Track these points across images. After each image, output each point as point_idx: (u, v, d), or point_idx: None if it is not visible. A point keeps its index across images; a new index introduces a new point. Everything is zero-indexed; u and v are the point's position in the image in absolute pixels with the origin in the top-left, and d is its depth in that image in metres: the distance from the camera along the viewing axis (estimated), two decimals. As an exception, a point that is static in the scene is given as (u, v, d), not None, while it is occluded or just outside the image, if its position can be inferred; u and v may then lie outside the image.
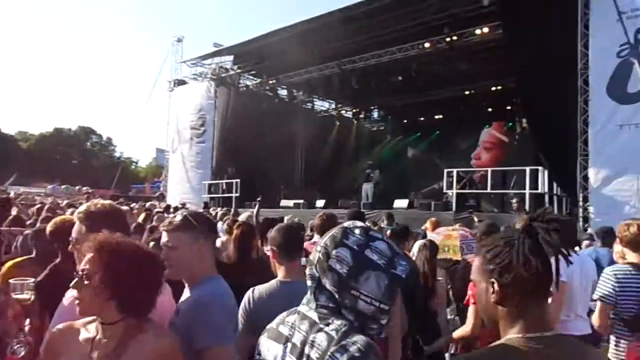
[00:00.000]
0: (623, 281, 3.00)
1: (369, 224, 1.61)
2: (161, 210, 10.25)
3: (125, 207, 7.45)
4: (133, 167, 59.85)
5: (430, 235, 5.98)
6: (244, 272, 3.09)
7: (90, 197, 14.12)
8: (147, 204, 13.29)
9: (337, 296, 1.24)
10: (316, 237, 4.29)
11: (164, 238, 2.00)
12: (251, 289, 2.51)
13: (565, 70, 9.91)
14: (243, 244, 3.58)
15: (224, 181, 17.25)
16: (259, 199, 9.83)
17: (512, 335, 1.22)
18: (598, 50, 9.66)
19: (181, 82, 19.87)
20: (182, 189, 18.80)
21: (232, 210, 11.66)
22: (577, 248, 5.23)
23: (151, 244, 3.83)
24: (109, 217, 2.13)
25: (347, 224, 1.33)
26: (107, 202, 2.40)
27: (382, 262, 1.24)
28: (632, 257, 3.11)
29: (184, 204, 13.79)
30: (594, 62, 9.69)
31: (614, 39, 9.39)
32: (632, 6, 9.27)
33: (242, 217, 6.18)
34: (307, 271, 1.32)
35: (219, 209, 13.62)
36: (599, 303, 3.10)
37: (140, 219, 7.61)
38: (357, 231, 1.29)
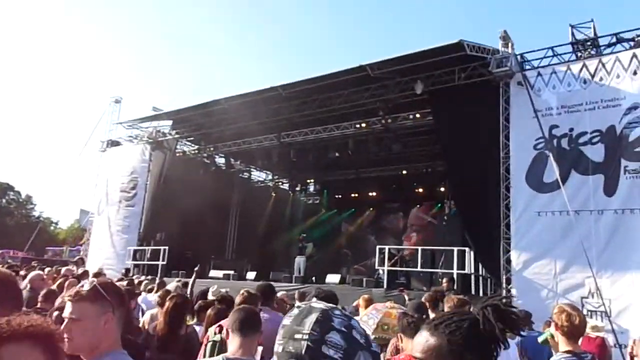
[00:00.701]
0: None
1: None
2: (75, 276, 9.54)
3: (37, 272, 6.90)
4: (52, 227, 56.09)
5: (366, 312, 5.93)
6: (168, 348, 2.90)
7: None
8: (64, 269, 12.37)
9: None
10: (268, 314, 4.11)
11: (68, 309, 1.88)
12: None
13: (488, 158, 10.61)
14: (174, 317, 3.37)
15: (150, 247, 16.53)
16: (196, 268, 9.43)
17: None
18: (517, 142, 10.51)
19: (115, 143, 19.37)
20: (105, 254, 17.76)
21: (158, 279, 11.08)
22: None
23: (55, 313, 3.50)
24: None
25: (320, 304, 1.27)
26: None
27: (363, 340, 1.22)
28: (569, 345, 3.11)
29: (98, 272, 12.92)
30: (514, 152, 10.50)
31: (531, 133, 10.26)
32: (546, 105, 10.30)
33: (170, 287, 5.88)
34: None
35: (142, 277, 12.95)
36: None
37: (55, 285, 7.04)
38: (337, 312, 1.24)
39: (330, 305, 1.27)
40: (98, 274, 10.16)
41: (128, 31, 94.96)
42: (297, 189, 23.97)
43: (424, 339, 1.23)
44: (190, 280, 8.50)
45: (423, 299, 5.91)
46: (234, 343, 2.51)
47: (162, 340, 3.14)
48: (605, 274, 9.01)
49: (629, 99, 9.44)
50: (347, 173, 20.70)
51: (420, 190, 20.05)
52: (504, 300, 1.23)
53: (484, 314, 1.20)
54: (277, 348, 1.22)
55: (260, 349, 2.56)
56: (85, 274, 10.81)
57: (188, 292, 6.37)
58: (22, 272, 8.89)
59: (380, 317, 5.61)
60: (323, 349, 1.17)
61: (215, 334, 3.35)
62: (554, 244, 9.62)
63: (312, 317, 1.21)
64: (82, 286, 1.95)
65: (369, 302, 6.41)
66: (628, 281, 8.79)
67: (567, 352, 3.09)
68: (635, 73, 9.50)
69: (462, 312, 1.27)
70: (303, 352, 1.17)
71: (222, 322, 3.99)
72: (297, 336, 1.19)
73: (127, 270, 14.34)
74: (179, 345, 3.08)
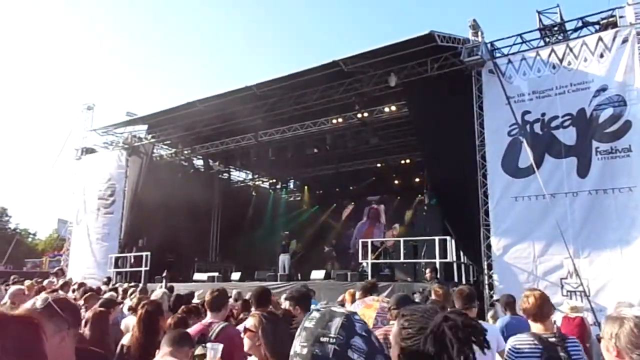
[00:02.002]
0: (523, 352, 3.09)
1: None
2: (57, 288, 9.39)
3: (18, 287, 6.75)
4: (30, 239, 54.93)
5: (351, 306, 5.97)
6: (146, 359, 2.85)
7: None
8: (46, 282, 12.16)
9: None
10: (209, 315, 3.88)
11: None
12: None
13: (465, 146, 10.74)
14: (149, 326, 3.25)
15: (132, 254, 16.34)
16: (164, 274, 9.35)
17: None
18: (491, 129, 10.64)
19: (90, 151, 19.04)
20: (86, 263, 17.48)
21: (141, 285, 10.97)
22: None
23: None
24: None
25: (339, 309, 1.33)
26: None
27: (378, 344, 1.28)
28: (534, 327, 3.25)
29: (82, 283, 12.75)
30: (489, 139, 10.63)
31: (505, 120, 10.40)
32: (518, 91, 10.44)
33: (155, 294, 5.81)
34: None
35: (125, 284, 12.78)
36: None
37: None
38: (357, 317, 1.31)
39: (348, 310, 1.35)
40: (82, 285, 10.03)
41: (97, 37, 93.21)
42: (278, 186, 23.96)
43: (392, 336, 1.31)
44: (166, 286, 8.45)
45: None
46: None
47: (137, 352, 3.07)
48: (582, 254, 9.20)
49: (597, 81, 9.63)
50: (327, 168, 20.74)
51: (399, 181, 20.22)
52: (461, 319, 1.24)
53: (442, 331, 1.23)
54: (301, 350, 1.26)
55: None
56: (66, 285, 10.65)
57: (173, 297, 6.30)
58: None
59: (361, 308, 5.68)
60: (349, 352, 1.23)
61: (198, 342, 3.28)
62: (532, 228, 9.78)
63: (337, 322, 1.27)
64: (34, 303, 1.86)
65: (354, 296, 6.47)
66: (605, 260, 9.00)
67: (532, 334, 3.17)
68: (601, 56, 9.68)
69: (428, 317, 1.29)
70: (330, 355, 1.22)
71: (198, 329, 3.90)
72: (324, 339, 1.24)
73: (108, 278, 14.11)
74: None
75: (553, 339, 3.12)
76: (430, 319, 1.28)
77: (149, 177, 16.73)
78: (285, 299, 3.86)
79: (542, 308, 3.26)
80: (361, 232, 21.50)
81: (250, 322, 2.59)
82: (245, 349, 2.49)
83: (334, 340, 1.24)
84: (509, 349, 3.17)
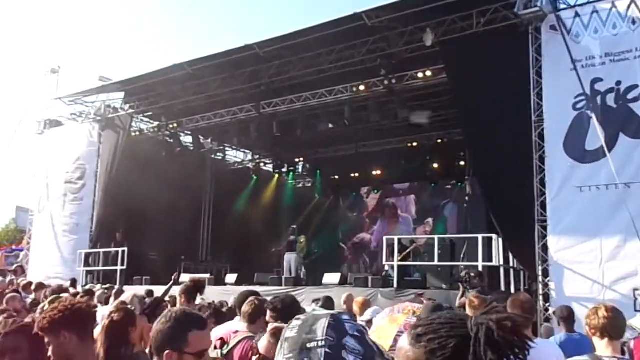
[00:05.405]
0: None
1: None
2: (16, 289, 9.51)
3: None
4: (-17, 231, 55.95)
5: (361, 318, 5.94)
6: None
7: None
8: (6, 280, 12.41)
9: None
10: (242, 326, 4.08)
11: None
12: None
13: (517, 122, 10.62)
14: (113, 338, 3.19)
15: (104, 250, 16.53)
16: (174, 275, 9.46)
17: None
18: (553, 102, 10.48)
19: (55, 124, 19.16)
20: (50, 259, 17.72)
21: (116, 288, 11.09)
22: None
23: None
24: None
25: (322, 311, 1.43)
26: None
27: (375, 347, 1.36)
28: (600, 348, 3.22)
29: (40, 284, 12.90)
30: (549, 114, 10.46)
31: (569, 90, 10.22)
32: (587, 54, 10.24)
33: (125, 298, 5.84)
34: None
35: (98, 286, 12.92)
36: None
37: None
38: (345, 316, 1.37)
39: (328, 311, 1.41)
40: (41, 287, 10.15)
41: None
42: (284, 170, 23.91)
43: (404, 350, 1.23)
44: (164, 289, 8.53)
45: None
46: None
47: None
48: (663, 259, 9.09)
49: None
50: (345, 148, 20.68)
51: (435, 165, 20.07)
52: (503, 322, 1.17)
53: (477, 333, 1.16)
54: None
55: None
56: (28, 286, 10.81)
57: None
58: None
59: (386, 321, 5.62)
60: (343, 354, 1.27)
61: (215, 347, 3.30)
62: (600, 226, 9.66)
63: (323, 323, 1.31)
64: None
65: (364, 306, 6.44)
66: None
67: (594, 357, 3.16)
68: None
69: (455, 320, 1.23)
70: (322, 358, 1.26)
71: (223, 335, 4.01)
72: (311, 345, 1.27)
73: (74, 280, 14.19)
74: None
75: None
76: (455, 328, 1.20)
77: (126, 156, 16.82)
78: (268, 309, 3.85)
79: (614, 325, 3.23)
80: (386, 227, 21.49)
81: (263, 343, 2.58)
82: None
83: (323, 342, 1.27)
84: None
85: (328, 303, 6.65)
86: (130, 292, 6.49)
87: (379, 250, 14.34)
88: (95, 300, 8.02)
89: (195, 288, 5.77)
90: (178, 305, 5.73)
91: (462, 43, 11.68)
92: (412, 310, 6.02)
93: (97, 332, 4.35)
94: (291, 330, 1.33)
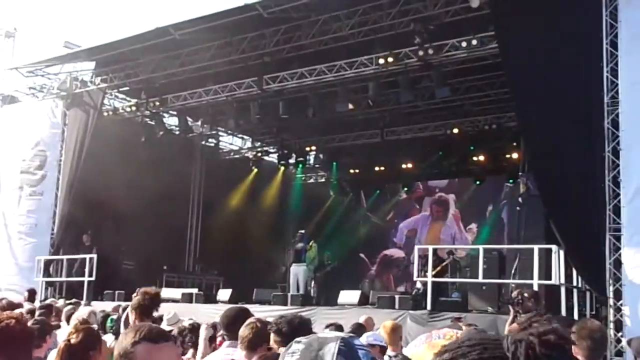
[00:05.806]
0: None
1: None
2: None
3: None
4: None
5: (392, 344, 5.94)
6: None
7: None
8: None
9: None
10: (240, 354, 4.08)
11: None
12: None
13: (585, 105, 10.56)
14: None
15: (68, 257, 16.62)
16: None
17: None
18: (630, 80, 10.35)
19: (9, 100, 19.31)
20: (4, 268, 17.88)
21: (83, 303, 11.21)
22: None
23: None
24: None
25: (330, 333, 1.46)
26: None
27: None
28: None
29: None
30: (626, 95, 10.33)
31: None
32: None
33: (81, 314, 5.90)
34: None
35: (60, 301, 13.02)
36: None
37: None
38: (356, 341, 1.45)
39: (339, 333, 1.46)
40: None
41: None
42: (291, 161, 23.90)
43: None
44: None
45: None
46: None
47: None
48: None
49: None
50: (367, 135, 20.64)
51: (481, 158, 19.98)
52: (545, 336, 1.15)
53: (515, 351, 1.14)
54: None
55: None
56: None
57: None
58: None
59: (424, 349, 5.63)
60: None
61: None
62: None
63: (331, 348, 1.34)
64: None
65: (395, 333, 6.37)
66: None
67: None
68: None
69: (488, 341, 1.20)
70: None
71: None
72: None
73: (32, 291, 14.32)
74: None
75: None
76: (487, 350, 1.18)
77: (97, 141, 16.87)
78: (272, 331, 3.88)
79: None
80: (419, 233, 21.47)
81: None
82: None
83: None
84: None
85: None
86: (85, 307, 6.51)
87: (410, 262, 14.24)
88: (63, 317, 8.06)
89: (153, 303, 5.70)
90: (131, 323, 5.70)
91: (517, 5, 11.60)
92: (454, 336, 6.02)
93: (52, 357, 4.41)
94: (291, 356, 1.35)
